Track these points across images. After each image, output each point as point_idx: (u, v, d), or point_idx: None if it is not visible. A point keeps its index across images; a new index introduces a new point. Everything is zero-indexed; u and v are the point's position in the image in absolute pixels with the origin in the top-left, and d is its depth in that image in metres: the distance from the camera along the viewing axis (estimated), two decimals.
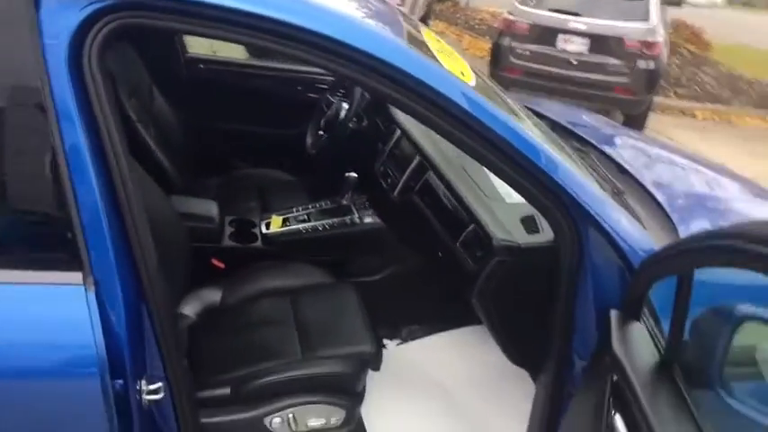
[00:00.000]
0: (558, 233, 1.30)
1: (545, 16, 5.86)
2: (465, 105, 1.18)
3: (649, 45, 5.55)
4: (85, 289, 1.04)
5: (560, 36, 5.72)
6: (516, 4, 6.11)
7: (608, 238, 1.26)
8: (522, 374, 2.10)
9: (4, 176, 1.06)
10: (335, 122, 2.29)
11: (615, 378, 1.09)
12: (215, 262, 2.07)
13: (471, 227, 1.63)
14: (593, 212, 1.25)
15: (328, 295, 1.93)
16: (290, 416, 1.60)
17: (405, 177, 2.00)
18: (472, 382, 2.08)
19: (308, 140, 2.45)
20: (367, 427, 1.84)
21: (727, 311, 1.07)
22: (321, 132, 2.40)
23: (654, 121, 6.43)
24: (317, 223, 2.18)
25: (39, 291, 1.04)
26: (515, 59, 5.89)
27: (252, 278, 1.99)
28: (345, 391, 1.68)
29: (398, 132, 2.18)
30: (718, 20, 11.10)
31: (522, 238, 1.51)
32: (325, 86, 2.60)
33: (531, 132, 1.28)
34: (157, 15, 1.06)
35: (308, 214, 2.23)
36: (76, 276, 1.04)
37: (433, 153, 1.95)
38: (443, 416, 1.94)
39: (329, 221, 2.18)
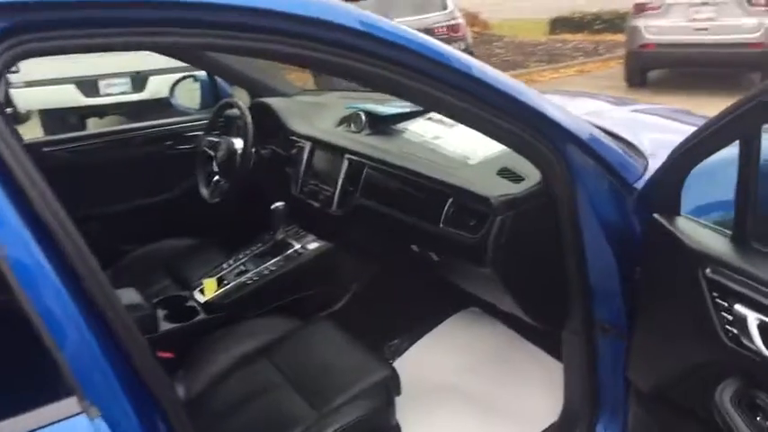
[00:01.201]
0: (542, 161, 1.24)
1: None
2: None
3: (455, 28, 5.95)
4: (87, 416, 0.76)
5: None
6: None
7: (588, 150, 1.23)
8: (519, 343, 2.03)
9: None
10: (234, 161, 2.03)
11: (708, 272, 1.02)
12: (161, 354, 1.70)
13: (449, 201, 1.50)
14: (565, 126, 1.20)
15: (306, 339, 1.68)
16: None
17: (339, 184, 1.81)
18: (476, 368, 1.95)
19: (204, 192, 2.15)
20: None
21: None
22: (217, 178, 2.12)
23: None
24: (260, 269, 1.89)
25: None
26: None
27: (211, 355, 1.67)
28: (383, 430, 1.45)
29: (309, 145, 1.98)
30: (478, 2, 12.30)
31: (512, 189, 1.41)
32: (199, 132, 2.32)
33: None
34: (66, 33, 0.83)
35: (243, 264, 1.93)
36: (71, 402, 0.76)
37: (362, 148, 1.79)
38: (467, 411, 1.79)
39: (271, 262, 1.91)
